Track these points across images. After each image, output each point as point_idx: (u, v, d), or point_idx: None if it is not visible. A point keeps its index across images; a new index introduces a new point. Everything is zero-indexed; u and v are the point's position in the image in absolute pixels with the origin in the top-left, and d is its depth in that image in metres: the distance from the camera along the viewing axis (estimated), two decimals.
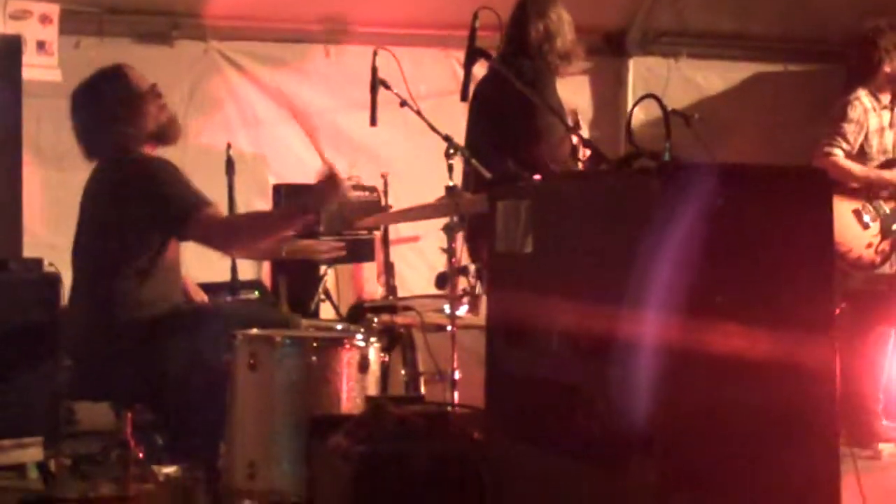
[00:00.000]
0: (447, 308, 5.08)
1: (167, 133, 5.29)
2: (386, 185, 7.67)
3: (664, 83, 8.96)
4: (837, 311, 5.31)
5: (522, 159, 5.69)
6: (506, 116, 5.86)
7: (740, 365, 2.99)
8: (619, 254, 3.08)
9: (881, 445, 6.71)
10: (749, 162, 3.44)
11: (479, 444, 3.83)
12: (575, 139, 5.86)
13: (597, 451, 3.16)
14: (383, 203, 7.63)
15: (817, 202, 3.11)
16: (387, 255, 7.60)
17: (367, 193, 7.55)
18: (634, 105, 5.51)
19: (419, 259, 8.02)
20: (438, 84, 7.74)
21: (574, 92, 6.30)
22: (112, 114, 5.19)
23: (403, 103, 5.24)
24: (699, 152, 6.68)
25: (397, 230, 7.96)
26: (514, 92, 5.18)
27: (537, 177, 3.71)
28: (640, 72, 9.01)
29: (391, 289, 7.42)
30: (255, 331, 4.71)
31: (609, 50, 8.92)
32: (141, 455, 5.08)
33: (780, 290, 3.05)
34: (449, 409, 4.27)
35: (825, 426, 3.08)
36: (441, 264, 5.15)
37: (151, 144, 5.25)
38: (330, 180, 4.97)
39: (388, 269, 7.48)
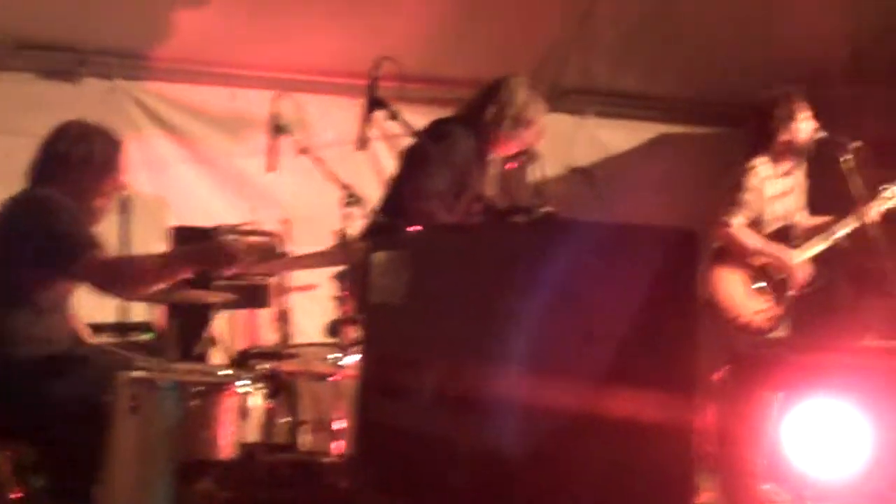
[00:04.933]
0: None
1: (92, 210, 5.26)
2: (287, 231, 7.64)
3: (570, 140, 9.04)
4: (721, 374, 5.34)
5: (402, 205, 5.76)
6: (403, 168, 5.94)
7: (596, 420, 3.00)
8: (483, 307, 3.09)
9: None
10: (646, 222, 3.46)
11: (346, 494, 3.82)
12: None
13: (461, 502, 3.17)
14: (283, 249, 7.59)
15: (681, 263, 3.13)
16: (282, 301, 7.55)
17: (264, 239, 7.51)
18: (504, 164, 5.57)
19: (317, 307, 7.95)
20: (346, 132, 7.69)
21: None
22: (87, 162, 5.20)
23: (303, 150, 5.21)
24: (600, 210, 6.76)
25: (297, 277, 7.92)
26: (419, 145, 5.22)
27: (415, 228, 3.72)
28: (546, 128, 9.05)
29: (285, 335, 7.37)
30: (137, 373, 4.67)
31: None
32: (19, 495, 5.01)
33: (639, 349, 3.06)
34: (321, 458, 4.26)
35: (681, 486, 3.10)
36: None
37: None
38: (232, 251, 4.95)
39: (283, 316, 7.44)
